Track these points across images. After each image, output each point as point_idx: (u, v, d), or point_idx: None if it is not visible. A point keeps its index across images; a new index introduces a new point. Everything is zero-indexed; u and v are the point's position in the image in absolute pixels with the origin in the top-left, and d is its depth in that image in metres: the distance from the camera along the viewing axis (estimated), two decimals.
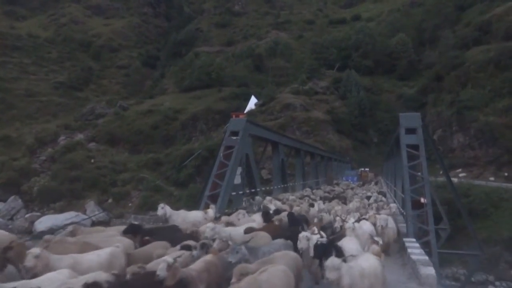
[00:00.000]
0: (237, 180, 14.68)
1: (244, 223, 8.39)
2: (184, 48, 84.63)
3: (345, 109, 56.97)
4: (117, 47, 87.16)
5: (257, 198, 13.34)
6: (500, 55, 43.95)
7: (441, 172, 28.57)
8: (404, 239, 10.43)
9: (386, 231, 9.05)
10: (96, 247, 5.62)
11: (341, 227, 8.04)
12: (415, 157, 13.11)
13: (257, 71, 73.30)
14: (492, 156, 39.18)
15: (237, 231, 7.37)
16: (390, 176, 26.45)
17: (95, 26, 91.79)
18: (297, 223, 8.41)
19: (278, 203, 12.76)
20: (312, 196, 18.12)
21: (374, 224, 8.97)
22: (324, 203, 14.43)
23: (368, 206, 14.28)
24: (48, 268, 4.63)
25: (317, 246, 5.49)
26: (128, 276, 4.44)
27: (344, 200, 17.41)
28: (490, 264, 26.46)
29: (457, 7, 63.71)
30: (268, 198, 13.86)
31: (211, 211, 10.45)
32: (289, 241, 6.34)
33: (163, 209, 9.17)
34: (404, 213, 12.75)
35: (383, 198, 16.78)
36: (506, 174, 37.23)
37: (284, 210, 10.57)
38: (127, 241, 6.41)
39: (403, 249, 10.00)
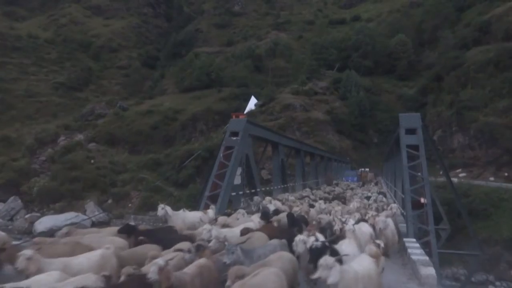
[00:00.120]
0: (237, 180, 14.68)
1: (242, 224, 8.34)
2: (184, 48, 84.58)
3: (345, 109, 56.95)
4: (116, 47, 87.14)
5: (256, 198, 13.31)
6: (500, 56, 43.94)
7: (441, 172, 28.57)
8: (404, 239, 10.43)
9: (385, 233, 9.00)
10: (89, 248, 5.56)
11: (341, 229, 7.94)
12: (415, 157, 13.12)
13: (257, 72, 73.28)
14: (492, 156, 39.17)
15: (233, 232, 7.31)
16: (390, 176, 26.46)
17: (94, 27, 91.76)
18: (297, 224, 8.38)
19: (278, 203, 12.73)
20: (311, 197, 18.12)
21: (373, 226, 8.92)
22: (324, 203, 14.39)
23: (368, 206, 14.26)
24: (40, 270, 4.58)
25: (311, 250, 5.35)
26: (122, 278, 4.39)
27: (343, 201, 17.42)
28: (490, 264, 26.46)
29: (457, 8, 63.66)
30: (267, 198, 13.83)
31: (211, 212, 10.44)
32: (284, 241, 6.25)
33: (163, 209, 9.16)
34: (404, 214, 12.75)
35: (384, 199, 16.77)
36: (506, 174, 37.22)
37: (284, 211, 10.55)
38: (120, 241, 6.36)
39: (403, 249, 10.00)
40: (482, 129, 39.75)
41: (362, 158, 51.81)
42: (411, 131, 13.95)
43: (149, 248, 5.88)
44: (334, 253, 5.13)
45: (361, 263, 5.22)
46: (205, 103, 58.57)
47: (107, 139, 52.11)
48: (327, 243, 5.68)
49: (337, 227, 8.11)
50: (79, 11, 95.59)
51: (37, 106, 62.56)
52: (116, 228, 7.33)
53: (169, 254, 5.28)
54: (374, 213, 10.72)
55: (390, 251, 9.75)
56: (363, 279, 4.89)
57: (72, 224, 28.15)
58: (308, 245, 5.58)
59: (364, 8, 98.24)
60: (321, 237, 6.98)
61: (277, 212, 10.06)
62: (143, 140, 52.70)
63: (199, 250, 5.45)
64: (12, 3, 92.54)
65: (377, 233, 8.74)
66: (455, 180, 31.35)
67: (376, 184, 35.78)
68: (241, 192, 14.97)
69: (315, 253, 5.12)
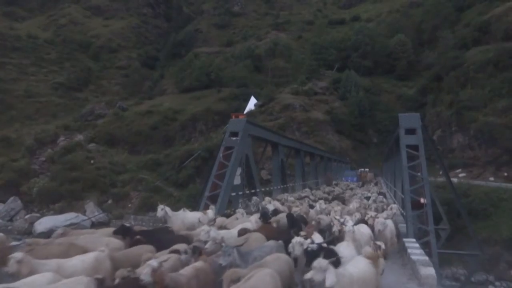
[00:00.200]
0: (237, 180, 14.68)
1: (240, 224, 8.30)
2: (184, 48, 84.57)
3: (345, 109, 56.96)
4: (116, 47, 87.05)
5: (254, 198, 13.32)
6: (500, 56, 43.97)
7: (440, 173, 28.60)
8: (404, 240, 10.42)
9: (384, 234, 8.97)
10: (84, 250, 5.51)
11: (339, 231, 7.88)
12: (415, 157, 13.12)
13: (257, 72, 73.27)
14: (491, 156, 39.18)
15: (230, 234, 7.27)
16: (390, 176, 26.47)
17: (94, 27, 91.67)
18: (297, 224, 8.35)
19: (277, 204, 12.71)
20: (311, 197, 18.10)
21: (372, 227, 8.89)
22: (324, 203, 14.36)
23: (368, 207, 14.26)
24: (32, 272, 4.51)
25: (307, 252, 5.27)
26: (116, 281, 4.34)
27: (342, 201, 17.39)
28: (490, 264, 26.47)
29: (456, 8, 63.68)
30: (267, 198, 13.83)
31: (210, 212, 10.43)
32: (280, 242, 6.19)
33: (163, 210, 9.16)
34: (404, 214, 12.75)
35: (384, 199, 16.76)
36: (505, 174, 37.23)
37: (283, 211, 10.52)
38: (117, 242, 6.31)
39: (403, 249, 10.00)
40: (481, 129, 39.76)
41: (362, 158, 51.84)
42: (410, 131, 13.96)
43: (143, 249, 5.84)
44: (330, 255, 5.08)
45: (356, 265, 5.17)
46: (204, 103, 58.57)
47: (106, 139, 52.07)
48: (324, 245, 5.63)
49: (335, 228, 8.04)
50: (79, 12, 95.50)
51: (37, 107, 62.48)
52: (112, 229, 7.29)
53: (164, 255, 5.24)
54: (374, 213, 10.70)
55: (389, 252, 9.75)
56: (358, 282, 4.84)
57: (72, 224, 28.18)
58: (304, 247, 5.52)
59: (363, 8, 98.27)
60: (318, 238, 6.95)
61: (276, 212, 10.04)
62: (143, 141, 52.67)
63: (196, 252, 5.40)
64: (12, 4, 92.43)
65: (376, 235, 8.71)
66: (454, 180, 31.38)
67: (376, 184, 35.77)
68: (241, 193, 14.96)
69: (311, 256, 5.07)
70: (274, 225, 8.39)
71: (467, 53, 49.58)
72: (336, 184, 31.33)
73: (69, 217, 33.76)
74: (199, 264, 4.99)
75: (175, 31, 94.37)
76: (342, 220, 8.65)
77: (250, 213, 10.86)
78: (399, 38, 65.82)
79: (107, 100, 65.71)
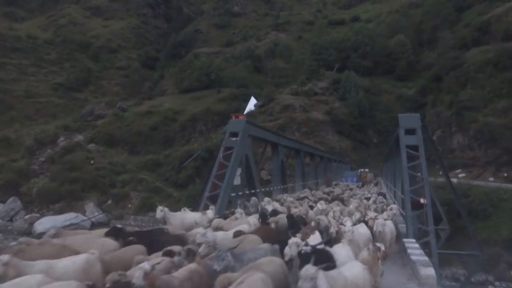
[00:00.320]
0: (237, 181, 14.66)
1: (238, 225, 8.22)
2: (184, 49, 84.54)
3: (345, 109, 56.95)
4: (116, 48, 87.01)
5: (253, 199, 13.29)
6: (499, 56, 43.97)
7: (440, 173, 28.54)
8: (404, 240, 10.42)
9: (383, 235, 8.94)
10: (75, 251, 5.42)
11: (337, 232, 7.79)
12: (415, 157, 13.11)
13: (257, 72, 73.25)
14: (491, 156, 39.18)
15: (227, 236, 7.20)
16: (390, 177, 26.45)
17: (94, 27, 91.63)
18: (296, 225, 8.30)
19: (276, 204, 12.65)
20: (311, 198, 18.04)
21: (371, 228, 8.85)
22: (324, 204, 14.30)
23: (368, 207, 14.23)
24: (20, 274, 4.42)
25: (300, 255, 5.14)
26: (108, 285, 4.26)
27: (342, 201, 17.32)
28: (490, 264, 26.46)
29: (456, 8, 63.69)
30: (266, 199, 13.78)
31: (210, 212, 10.41)
32: (276, 246, 6.07)
33: (162, 211, 9.14)
34: (404, 214, 12.74)
35: (384, 200, 16.73)
36: (505, 174, 37.23)
37: (282, 212, 10.47)
38: (111, 243, 6.26)
39: (403, 249, 9.99)
40: (481, 129, 39.77)
41: (362, 158, 51.83)
42: (410, 132, 13.95)
43: (134, 250, 5.76)
44: (323, 258, 4.97)
45: (351, 270, 5.09)
46: (204, 103, 58.56)
47: (106, 139, 52.05)
48: (319, 247, 5.53)
49: (332, 229, 7.97)
50: (79, 12, 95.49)
51: (37, 107, 62.48)
52: (104, 230, 7.20)
53: (157, 258, 5.15)
54: (374, 214, 10.67)
55: (389, 253, 9.72)
56: (351, 287, 4.78)
57: (71, 224, 28.19)
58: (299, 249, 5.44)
59: (363, 9, 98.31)
60: (318, 239, 6.91)
61: (275, 213, 9.98)
62: (143, 141, 52.66)
63: (190, 254, 5.32)
64: (12, 4, 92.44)
65: (376, 236, 8.68)
66: (454, 180, 31.38)
67: (376, 184, 35.75)
68: (240, 193, 14.95)
69: (304, 258, 4.98)
70: (273, 225, 8.30)
71: (467, 53, 49.59)
72: (336, 185, 31.31)
73: (69, 217, 33.75)
74: (193, 266, 4.90)
75: (175, 31, 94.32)
76: (340, 220, 8.59)
77: (249, 213, 10.83)
78: (399, 39, 65.84)
79: (107, 101, 65.69)
